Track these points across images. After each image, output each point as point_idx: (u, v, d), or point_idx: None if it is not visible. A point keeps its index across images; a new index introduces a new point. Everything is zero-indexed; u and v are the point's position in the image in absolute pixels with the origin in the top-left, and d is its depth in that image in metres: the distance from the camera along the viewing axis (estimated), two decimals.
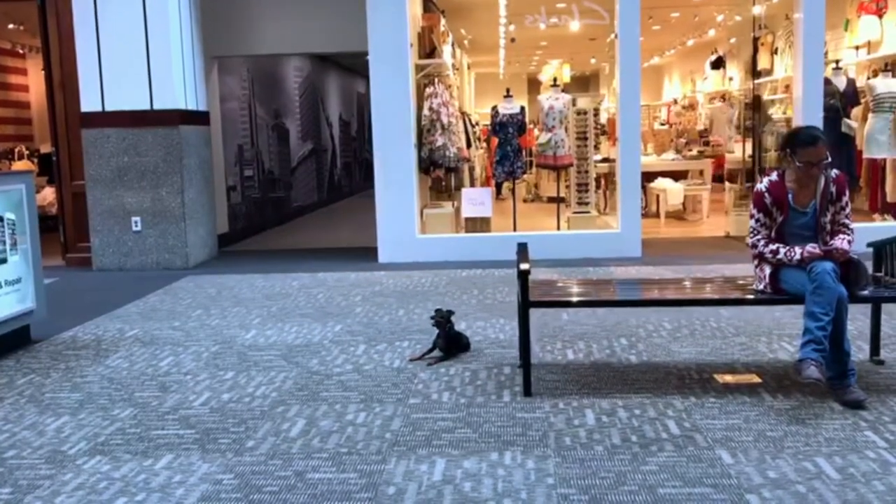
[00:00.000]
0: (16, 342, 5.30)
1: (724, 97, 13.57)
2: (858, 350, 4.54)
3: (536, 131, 11.04)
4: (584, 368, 4.52)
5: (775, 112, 9.91)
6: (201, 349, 5.15)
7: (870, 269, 4.19)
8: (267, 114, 12.35)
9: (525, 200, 13.57)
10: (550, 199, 11.72)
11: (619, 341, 5.04)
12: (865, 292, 4.02)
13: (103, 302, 6.73)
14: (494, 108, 9.31)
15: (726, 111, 12.87)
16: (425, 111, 8.64)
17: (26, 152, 12.87)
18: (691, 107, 16.40)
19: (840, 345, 3.83)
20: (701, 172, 11.80)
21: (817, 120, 7.83)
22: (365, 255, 8.59)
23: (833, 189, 4.08)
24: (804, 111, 8.08)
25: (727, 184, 10.91)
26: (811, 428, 3.54)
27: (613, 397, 4.00)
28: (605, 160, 11.31)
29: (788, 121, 9.04)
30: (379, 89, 8.32)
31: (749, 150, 10.47)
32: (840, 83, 8.82)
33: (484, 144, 13.29)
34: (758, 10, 10.42)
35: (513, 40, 13.50)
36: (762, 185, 4.19)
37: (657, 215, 11.31)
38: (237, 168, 10.98)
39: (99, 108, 8.32)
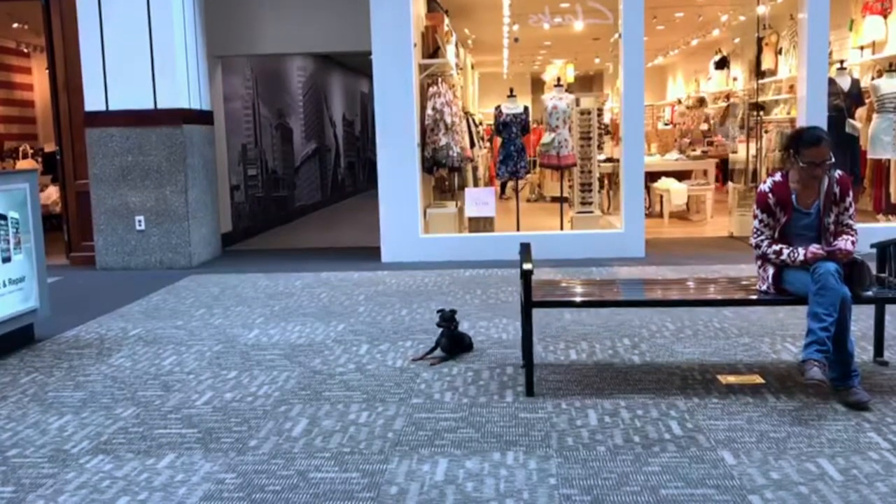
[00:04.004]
0: (19, 341, 5.31)
1: (728, 97, 13.56)
2: (862, 351, 4.54)
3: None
4: (587, 369, 4.51)
5: (778, 112, 9.89)
6: (204, 348, 5.15)
7: (874, 270, 4.17)
8: (270, 113, 12.36)
9: (528, 200, 13.57)
10: (554, 199, 11.71)
11: (622, 342, 5.04)
12: (869, 293, 4.01)
13: (106, 301, 6.75)
14: (498, 107, 9.31)
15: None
16: (429, 111, 8.63)
17: (30, 151, 12.91)
18: (700, 101, 16.30)
19: (843, 346, 3.82)
20: (705, 172, 11.79)
21: (821, 120, 7.81)
22: (368, 254, 8.60)
23: (837, 190, 4.07)
24: (808, 111, 8.07)
25: (730, 184, 10.89)
26: (814, 429, 3.53)
27: (616, 398, 4.00)
28: (608, 160, 11.31)
29: (792, 121, 9.02)
30: (382, 89, 8.32)
31: (753, 151, 10.45)
32: (844, 83, 8.81)
33: (487, 144, 13.29)
34: (762, 10, 10.41)
35: (516, 40, 13.49)
36: (766, 185, 4.18)
37: (661, 215, 11.31)
38: (241, 167, 10.99)
39: (103, 108, 8.34)
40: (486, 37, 13.60)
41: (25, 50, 13.91)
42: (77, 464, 3.39)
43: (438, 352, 4.75)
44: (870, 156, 8.99)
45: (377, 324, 5.68)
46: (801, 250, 3.99)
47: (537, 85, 21.35)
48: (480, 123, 14.14)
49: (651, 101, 17.90)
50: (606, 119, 12.86)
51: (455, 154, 8.73)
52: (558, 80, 10.84)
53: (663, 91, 20.90)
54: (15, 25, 12.52)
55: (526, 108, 9.32)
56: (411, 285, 7.06)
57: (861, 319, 5.02)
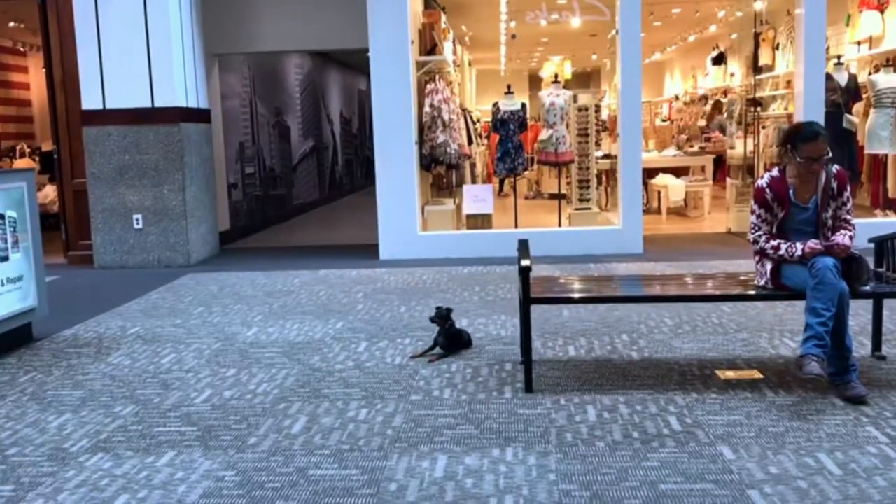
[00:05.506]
0: (18, 340, 5.31)
1: (725, 93, 13.56)
2: (860, 346, 4.53)
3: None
4: (586, 365, 4.52)
5: (776, 108, 9.89)
6: (203, 346, 5.15)
7: (871, 265, 4.18)
8: (268, 111, 12.35)
9: (526, 197, 13.57)
10: (552, 196, 11.72)
11: (621, 337, 5.04)
12: (867, 288, 4.01)
13: (105, 300, 6.74)
14: (496, 104, 9.30)
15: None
16: (426, 108, 8.63)
17: (28, 150, 12.89)
18: (697, 100, 16.33)
19: (841, 340, 3.83)
20: (702, 168, 11.80)
21: (819, 116, 7.82)
22: (366, 252, 8.59)
23: (834, 184, 4.08)
24: (806, 107, 8.07)
25: (728, 180, 10.90)
26: (812, 423, 3.54)
27: (615, 393, 4.00)
28: (606, 156, 11.31)
29: (790, 117, 9.03)
30: (380, 86, 8.31)
31: (750, 147, 10.45)
32: (842, 79, 8.81)
33: (485, 141, 13.30)
34: (759, 5, 10.41)
35: (514, 37, 13.49)
36: (763, 180, 4.18)
37: (658, 211, 11.31)
38: (238, 165, 10.98)
39: (100, 106, 8.32)
40: (484, 34, 13.59)
41: (22, 49, 13.90)
42: (76, 462, 3.39)
43: (437, 349, 4.75)
44: (867, 151, 8.99)
45: (376, 321, 5.68)
46: (798, 245, 3.99)
47: (535, 82, 21.36)
48: (478, 120, 14.15)
49: (648, 97, 17.91)
50: (604, 115, 12.86)
51: (453, 151, 8.73)
52: (556, 76, 10.84)
53: (661, 87, 20.91)
54: (11, 24, 12.51)
55: (523, 105, 9.31)
56: (410, 283, 7.06)
57: (859, 314, 5.03)
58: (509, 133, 9.12)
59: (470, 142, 9.98)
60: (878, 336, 4.50)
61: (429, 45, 8.98)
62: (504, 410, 3.82)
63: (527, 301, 4.16)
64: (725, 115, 12.37)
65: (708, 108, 14.46)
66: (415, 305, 6.12)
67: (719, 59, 14.62)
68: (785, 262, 4.07)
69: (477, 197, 8.92)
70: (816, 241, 3.99)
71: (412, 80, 8.38)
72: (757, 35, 10.52)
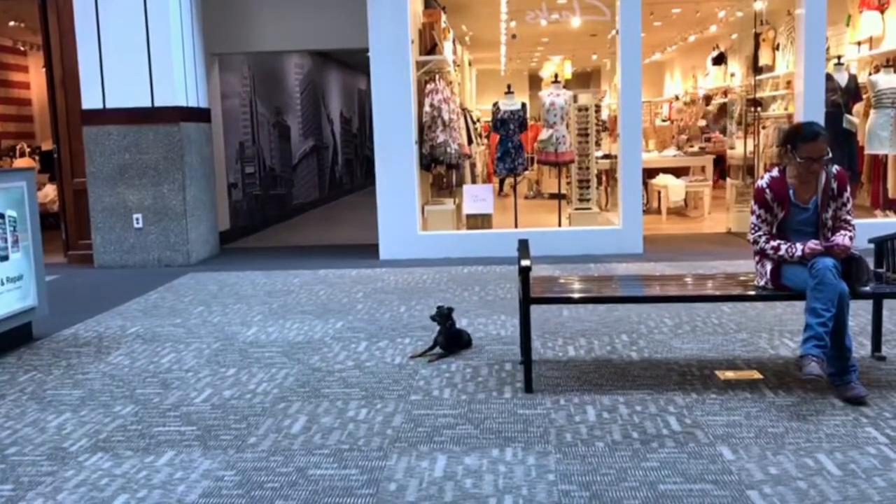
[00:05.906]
0: (18, 339, 5.31)
1: (725, 93, 13.57)
2: (860, 346, 4.53)
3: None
4: (586, 365, 4.52)
5: (776, 108, 9.89)
6: (203, 346, 5.15)
7: (871, 265, 4.18)
8: (268, 111, 12.35)
9: (526, 197, 13.57)
10: (552, 196, 11.72)
11: (621, 338, 5.04)
12: (867, 288, 4.01)
13: (105, 299, 6.74)
14: (496, 104, 9.30)
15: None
16: (426, 108, 8.63)
17: (28, 149, 12.89)
18: (693, 102, 16.38)
19: (841, 341, 3.83)
20: (702, 168, 11.80)
21: (819, 116, 7.82)
22: (366, 252, 8.60)
23: (834, 185, 4.07)
24: (806, 107, 8.07)
25: (728, 180, 10.90)
26: (812, 424, 3.54)
27: (614, 394, 4.00)
28: (606, 156, 11.31)
29: (790, 117, 9.03)
30: (380, 86, 8.31)
31: (750, 147, 10.45)
32: (842, 79, 8.81)
33: (485, 141, 13.30)
34: (759, 5, 10.41)
35: (514, 36, 13.48)
36: (763, 181, 4.18)
37: (658, 212, 11.32)
38: (238, 165, 10.98)
39: (100, 106, 8.32)
40: (484, 33, 13.59)
41: (22, 48, 13.90)
42: (76, 462, 3.39)
43: (437, 349, 4.75)
44: (867, 151, 8.99)
45: (375, 321, 5.68)
46: (798, 246, 3.99)
47: (535, 81, 21.36)
48: (478, 120, 14.15)
49: (648, 97, 17.91)
50: (604, 115, 12.86)
51: (453, 151, 8.73)
52: (556, 76, 10.84)
53: (661, 87, 20.91)
54: (11, 23, 12.50)
55: (524, 105, 9.31)
56: (409, 282, 7.06)
57: (859, 315, 5.03)
58: (509, 133, 9.12)
59: (470, 142, 9.98)
60: (878, 336, 4.50)
61: (429, 45, 8.98)
62: (504, 410, 3.82)
63: (527, 301, 4.16)
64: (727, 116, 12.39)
65: (713, 108, 14.47)
66: (415, 305, 6.12)
67: (719, 59, 14.62)
68: (785, 262, 4.07)
69: (477, 197, 8.92)
70: (816, 242, 3.99)
71: (412, 79, 8.38)
72: (757, 35, 10.52)
